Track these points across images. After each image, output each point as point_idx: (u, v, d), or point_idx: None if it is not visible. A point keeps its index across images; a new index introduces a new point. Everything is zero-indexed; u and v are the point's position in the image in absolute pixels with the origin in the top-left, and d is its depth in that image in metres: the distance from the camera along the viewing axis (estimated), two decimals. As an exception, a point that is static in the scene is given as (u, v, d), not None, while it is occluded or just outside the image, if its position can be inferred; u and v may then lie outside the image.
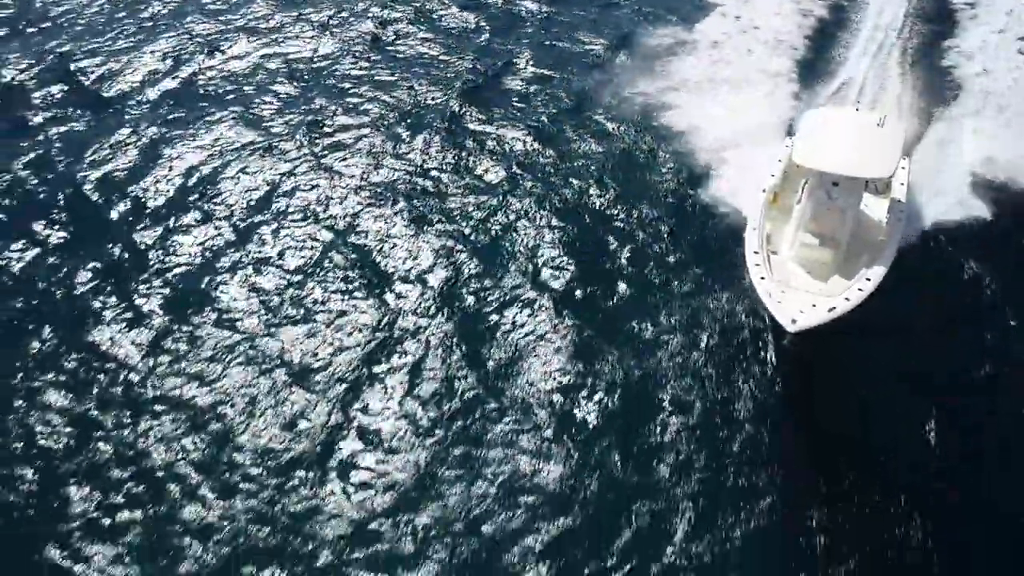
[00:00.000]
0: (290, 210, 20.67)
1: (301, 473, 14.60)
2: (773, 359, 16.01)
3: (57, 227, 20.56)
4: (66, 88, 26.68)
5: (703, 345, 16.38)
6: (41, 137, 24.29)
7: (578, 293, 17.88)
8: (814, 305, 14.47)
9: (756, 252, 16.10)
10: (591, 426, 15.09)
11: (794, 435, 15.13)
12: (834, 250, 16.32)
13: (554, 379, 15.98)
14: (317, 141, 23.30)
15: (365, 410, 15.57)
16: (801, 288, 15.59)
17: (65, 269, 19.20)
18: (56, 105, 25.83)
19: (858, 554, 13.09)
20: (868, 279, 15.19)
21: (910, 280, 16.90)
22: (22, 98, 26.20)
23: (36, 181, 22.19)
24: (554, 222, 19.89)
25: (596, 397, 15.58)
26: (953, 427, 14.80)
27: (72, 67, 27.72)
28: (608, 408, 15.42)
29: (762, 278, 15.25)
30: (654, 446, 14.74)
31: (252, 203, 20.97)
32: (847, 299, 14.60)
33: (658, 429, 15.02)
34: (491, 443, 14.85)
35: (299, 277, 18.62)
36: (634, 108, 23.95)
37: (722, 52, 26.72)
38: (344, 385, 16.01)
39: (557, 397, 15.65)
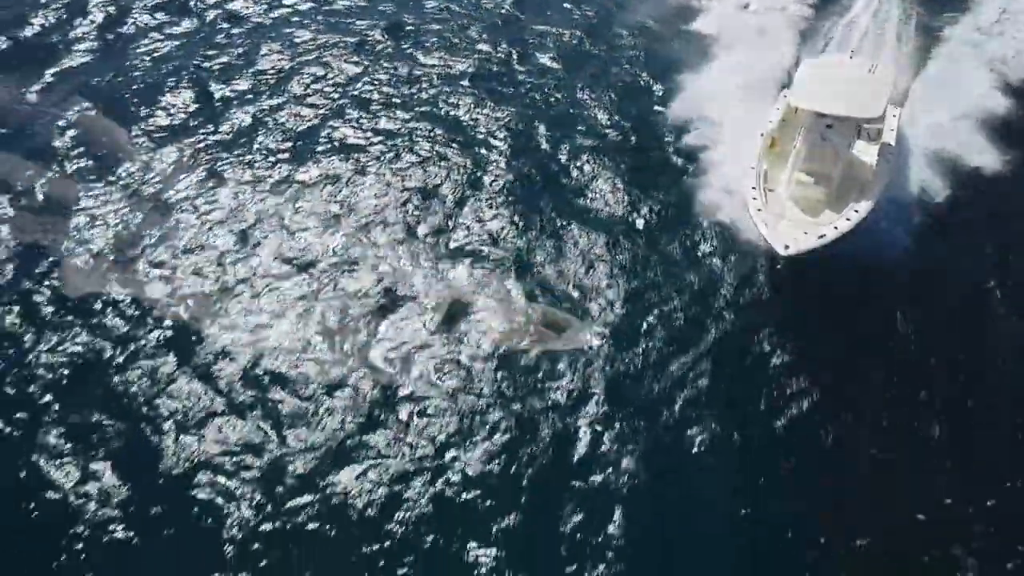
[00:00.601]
0: (385, 85, 24.69)
1: (425, 246, 19.00)
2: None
3: (186, 103, 24.44)
4: (162, 2, 30.36)
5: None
6: (153, 39, 28.04)
7: (633, 139, 22.05)
8: (805, 232, 16.52)
9: (754, 187, 17.99)
10: (651, 225, 19.57)
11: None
12: (827, 188, 17.90)
13: (615, 195, 20.37)
14: (399, 37, 27.21)
15: (472, 211, 19.95)
16: (795, 219, 17.44)
17: (201, 132, 23.13)
18: (157, 14, 29.48)
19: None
20: (856, 211, 17.11)
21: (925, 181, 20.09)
22: (127, 13, 29.84)
23: (162, 71, 26.04)
24: (611, 95, 24.02)
25: (651, 207, 19.97)
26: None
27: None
28: (658, 215, 19.84)
29: (759, 210, 17.30)
30: (695, 240, 19.12)
31: (352, 81, 24.97)
32: (836, 227, 16.66)
33: (698, 230, 19.31)
34: (572, 235, 19.19)
35: (401, 133, 22.65)
36: (669, 9, 27.83)
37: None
38: (452, 197, 20.38)
39: (618, 208, 20.11)
